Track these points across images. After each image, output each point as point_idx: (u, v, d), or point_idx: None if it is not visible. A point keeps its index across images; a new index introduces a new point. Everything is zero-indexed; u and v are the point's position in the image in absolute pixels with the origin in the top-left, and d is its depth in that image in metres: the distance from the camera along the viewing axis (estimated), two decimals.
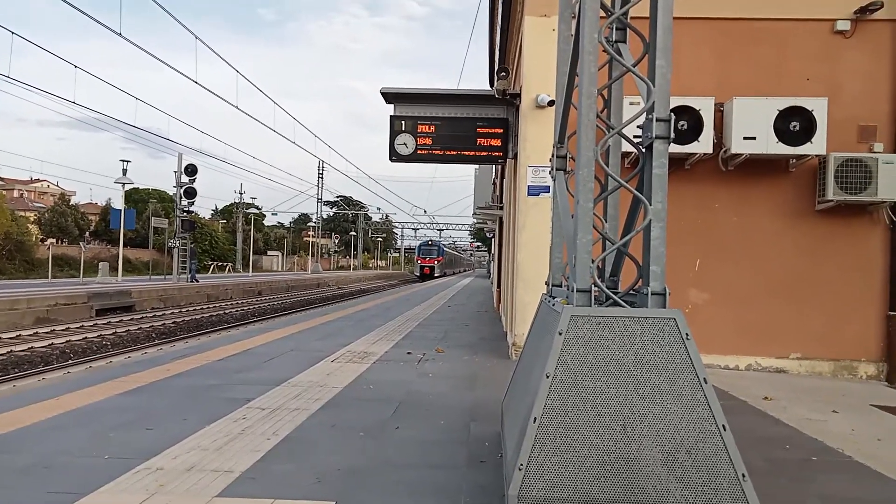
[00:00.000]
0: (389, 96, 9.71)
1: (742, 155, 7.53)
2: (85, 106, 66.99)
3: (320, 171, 62.53)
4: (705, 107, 7.45)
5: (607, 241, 3.59)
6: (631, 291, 3.22)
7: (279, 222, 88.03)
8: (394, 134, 9.66)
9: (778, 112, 7.33)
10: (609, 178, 3.59)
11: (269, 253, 73.21)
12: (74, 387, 5.90)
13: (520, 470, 2.68)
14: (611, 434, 2.70)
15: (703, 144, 7.44)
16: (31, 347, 13.34)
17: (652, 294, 2.93)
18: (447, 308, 17.38)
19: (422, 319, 13.63)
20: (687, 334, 2.81)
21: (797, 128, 7.32)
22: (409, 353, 8.52)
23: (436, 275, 60.96)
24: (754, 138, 7.39)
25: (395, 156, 9.66)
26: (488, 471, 3.75)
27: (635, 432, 2.70)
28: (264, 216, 72.94)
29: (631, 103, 6.44)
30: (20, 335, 14.86)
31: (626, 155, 7.29)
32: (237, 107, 28.79)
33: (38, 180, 77.21)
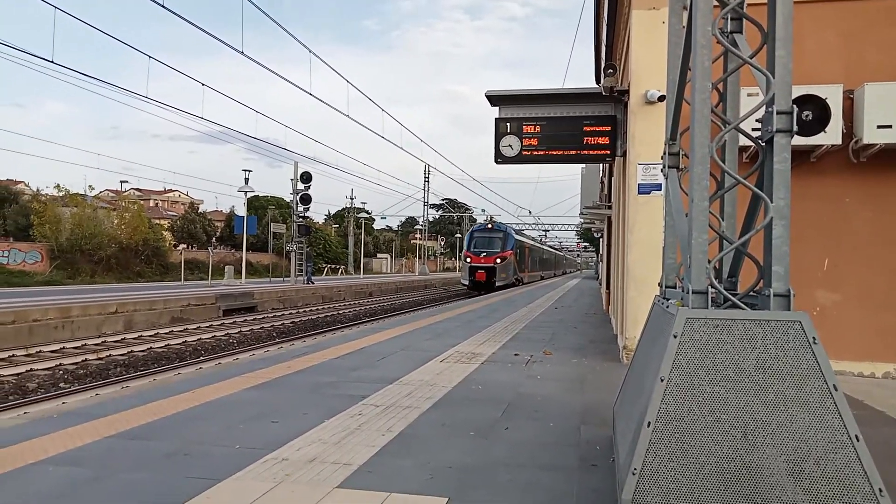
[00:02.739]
0: (494, 99, 9.77)
1: (876, 145, 6.96)
2: (211, 120, 72.21)
3: (426, 175, 63.80)
4: (832, 95, 6.95)
5: (724, 241, 3.45)
6: (751, 293, 3.08)
7: (388, 225, 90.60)
8: (499, 136, 9.70)
9: None
10: (726, 174, 3.46)
11: (378, 255, 75.43)
12: (207, 381, 6.37)
13: (633, 474, 2.64)
14: (730, 441, 2.60)
15: (831, 135, 6.94)
16: (168, 345, 14.51)
17: (775, 296, 2.80)
18: (554, 310, 17.21)
19: (528, 321, 13.58)
20: (814, 338, 2.66)
21: None
22: (516, 354, 8.53)
23: (497, 283, 34.90)
24: (890, 126, 6.81)
25: (500, 157, 9.70)
26: (600, 474, 3.71)
27: (757, 440, 2.59)
28: (374, 220, 75.29)
29: (749, 94, 6.12)
30: (158, 333, 16.21)
31: (743, 149, 6.95)
32: (348, 115, 29.83)
33: (170, 190, 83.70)
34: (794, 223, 2.93)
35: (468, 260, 36.55)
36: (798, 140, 6.82)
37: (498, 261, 35.62)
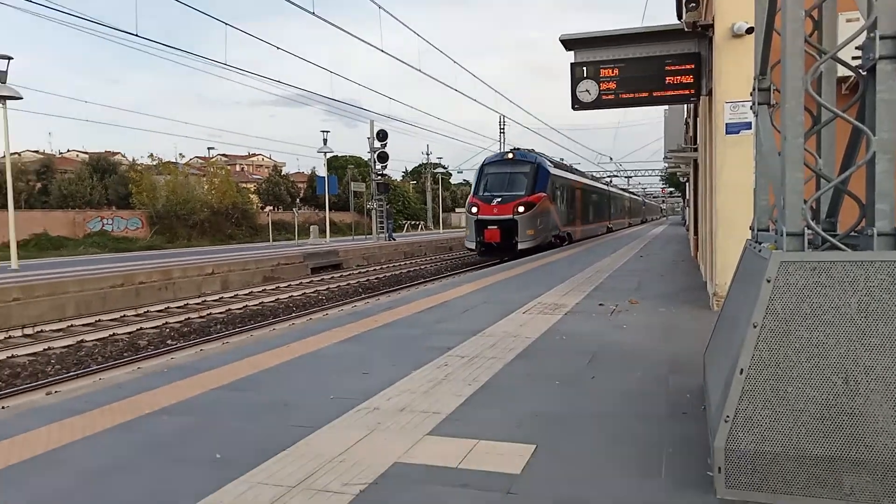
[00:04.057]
0: (569, 43, 9.46)
1: None
2: (289, 84, 73.40)
3: (501, 126, 62.88)
4: None
5: (822, 179, 3.26)
6: (852, 234, 2.92)
7: (465, 179, 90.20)
8: (575, 81, 9.42)
9: None
10: (822, 108, 3.24)
11: (456, 210, 75.57)
12: (299, 336, 6.68)
13: (726, 422, 2.61)
14: (830, 387, 2.51)
15: None
16: (262, 303, 15.24)
17: (879, 235, 2.63)
18: (639, 258, 16.83)
19: (612, 270, 13.36)
20: None
21: None
22: (600, 304, 8.44)
23: (521, 245, 21.04)
24: None
25: (577, 104, 9.44)
26: (691, 422, 3.67)
27: (860, 386, 2.48)
28: (451, 174, 75.23)
29: (848, 20, 5.64)
30: (252, 292, 17.04)
31: (842, 80, 6.46)
32: (420, 70, 29.79)
33: (254, 155, 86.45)
34: None
35: (474, 210, 22.05)
36: None
37: (520, 209, 21.36)
